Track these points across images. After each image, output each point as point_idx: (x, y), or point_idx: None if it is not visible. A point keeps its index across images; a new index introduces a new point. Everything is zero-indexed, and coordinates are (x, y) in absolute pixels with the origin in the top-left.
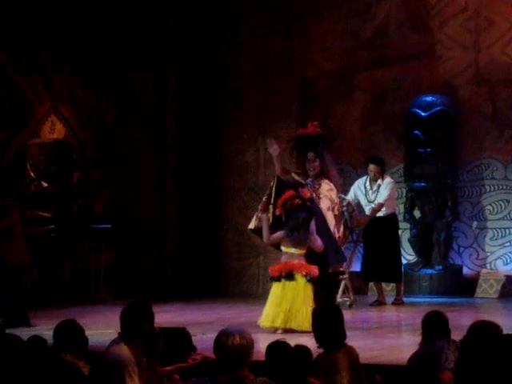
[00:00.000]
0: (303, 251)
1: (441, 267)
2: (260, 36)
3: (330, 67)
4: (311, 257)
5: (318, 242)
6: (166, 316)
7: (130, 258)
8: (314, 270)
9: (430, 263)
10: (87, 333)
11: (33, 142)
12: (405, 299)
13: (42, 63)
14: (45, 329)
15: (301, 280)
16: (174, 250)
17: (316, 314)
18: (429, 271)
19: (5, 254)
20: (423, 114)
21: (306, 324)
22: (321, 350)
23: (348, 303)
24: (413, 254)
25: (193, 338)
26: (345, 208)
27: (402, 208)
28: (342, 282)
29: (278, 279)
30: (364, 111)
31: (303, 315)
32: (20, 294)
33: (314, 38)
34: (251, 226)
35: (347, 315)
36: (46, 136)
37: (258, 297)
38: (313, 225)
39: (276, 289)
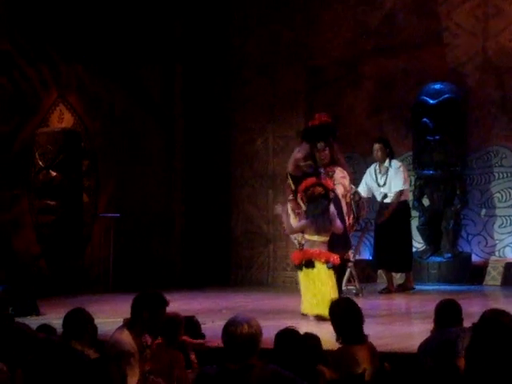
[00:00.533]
0: (326, 238)
1: (450, 255)
2: (268, 25)
3: (337, 55)
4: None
5: (338, 224)
6: (175, 304)
7: (138, 246)
8: (334, 257)
9: (439, 251)
10: (96, 321)
11: (41, 131)
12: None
13: (50, 53)
14: (54, 318)
15: (321, 267)
16: (183, 238)
17: (333, 307)
18: (438, 259)
19: (14, 243)
20: (432, 101)
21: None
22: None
23: (354, 292)
24: (421, 241)
25: (202, 326)
26: (351, 196)
27: (410, 196)
28: (348, 270)
29: (299, 267)
30: (372, 99)
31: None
32: (29, 283)
33: (322, 27)
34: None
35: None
36: (54, 125)
37: (268, 285)
38: (333, 207)
39: (301, 277)
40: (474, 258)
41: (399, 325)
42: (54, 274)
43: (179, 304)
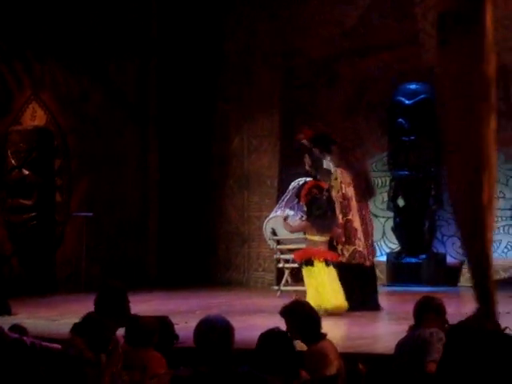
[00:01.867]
0: (327, 238)
1: (424, 256)
2: (244, 25)
3: (313, 56)
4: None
5: (338, 231)
6: (149, 304)
7: (111, 246)
8: (332, 255)
9: (414, 252)
10: (60, 322)
11: (14, 129)
12: (389, 288)
13: (24, 51)
14: (25, 317)
15: (320, 265)
16: (158, 238)
17: (287, 313)
18: (413, 260)
19: None
20: (407, 101)
21: (334, 302)
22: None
23: None
24: (396, 242)
25: (175, 326)
26: None
27: (385, 197)
28: None
29: (300, 265)
30: (347, 100)
31: (330, 296)
32: (0, 283)
33: (298, 27)
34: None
35: None
36: (27, 123)
37: (244, 285)
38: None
39: (304, 274)
40: (449, 259)
41: (374, 326)
42: (26, 274)
43: (154, 304)
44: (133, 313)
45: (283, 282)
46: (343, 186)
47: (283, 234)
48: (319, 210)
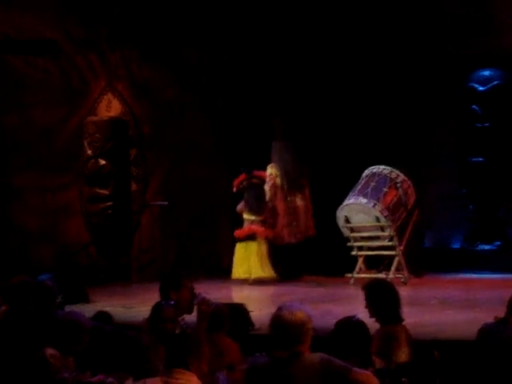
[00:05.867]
0: (261, 218)
1: (499, 243)
2: None
3: None
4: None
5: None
6: (223, 292)
7: (186, 234)
8: (269, 231)
9: (489, 239)
10: (136, 310)
11: (89, 120)
12: (463, 275)
13: (99, 41)
14: (103, 305)
15: (260, 241)
16: (232, 226)
17: (370, 288)
18: (487, 247)
19: (63, 231)
20: (481, 88)
21: (261, 272)
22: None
23: (402, 280)
24: (471, 229)
25: (250, 314)
26: (399, 184)
27: (457, 184)
28: (396, 259)
29: (241, 240)
30: None
31: (261, 265)
32: (78, 271)
33: None
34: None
35: (403, 292)
36: (102, 114)
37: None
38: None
39: (237, 249)
40: None
41: (448, 313)
42: (103, 262)
43: (227, 292)
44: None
45: (357, 269)
46: (272, 177)
47: (357, 221)
48: (250, 195)
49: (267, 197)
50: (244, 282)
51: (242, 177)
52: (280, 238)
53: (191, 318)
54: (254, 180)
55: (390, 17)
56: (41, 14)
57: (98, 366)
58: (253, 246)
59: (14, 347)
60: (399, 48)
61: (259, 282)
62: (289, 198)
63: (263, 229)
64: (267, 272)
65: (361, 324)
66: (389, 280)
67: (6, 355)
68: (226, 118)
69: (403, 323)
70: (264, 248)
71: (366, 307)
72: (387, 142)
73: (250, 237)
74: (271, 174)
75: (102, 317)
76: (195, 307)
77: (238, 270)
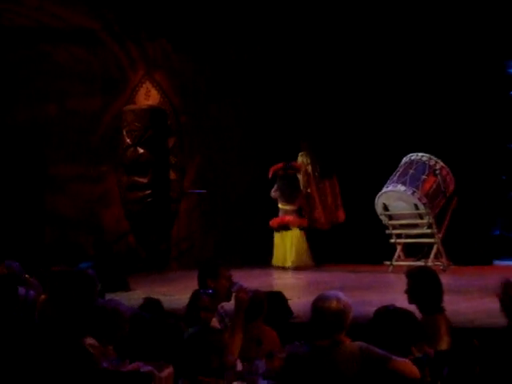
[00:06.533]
0: (295, 207)
1: None
2: None
3: None
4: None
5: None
6: (262, 280)
7: (224, 222)
8: (302, 220)
9: None
10: (175, 298)
11: (128, 109)
12: (502, 262)
13: (137, 31)
14: (142, 293)
15: (295, 230)
16: (268, 214)
17: (413, 275)
18: None
19: (102, 219)
20: None
21: (298, 259)
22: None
23: (441, 267)
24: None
25: (289, 301)
26: (438, 171)
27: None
28: (435, 246)
29: (277, 230)
30: None
31: (297, 253)
32: (117, 259)
33: None
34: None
35: (442, 279)
36: (141, 102)
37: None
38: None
39: (276, 238)
40: None
41: (487, 301)
42: (142, 250)
43: (266, 280)
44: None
45: (395, 256)
46: (304, 165)
47: (395, 209)
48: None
49: (301, 184)
50: (282, 269)
51: (280, 165)
52: (319, 223)
53: (230, 305)
54: (290, 171)
55: (428, 8)
56: (78, 3)
57: (138, 355)
58: (288, 235)
59: (54, 337)
60: (437, 36)
61: (297, 269)
62: (320, 186)
63: (296, 218)
64: (304, 260)
65: (401, 312)
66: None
67: (45, 345)
68: (258, 108)
69: (444, 311)
70: (299, 236)
71: (407, 292)
72: (426, 129)
73: (285, 226)
74: (302, 162)
75: (151, 304)
76: (233, 295)
77: (277, 258)
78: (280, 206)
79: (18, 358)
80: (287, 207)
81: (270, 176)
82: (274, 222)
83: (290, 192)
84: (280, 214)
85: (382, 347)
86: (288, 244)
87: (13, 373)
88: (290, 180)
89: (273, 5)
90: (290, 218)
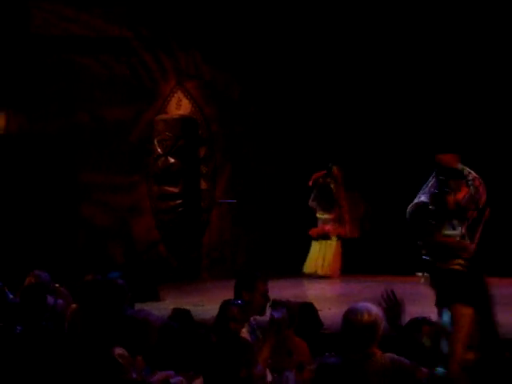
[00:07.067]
0: (333, 216)
1: None
2: None
3: None
4: None
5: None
6: (293, 290)
7: (255, 232)
8: (340, 229)
9: None
10: (205, 308)
11: (159, 118)
12: None
13: (168, 40)
14: (173, 303)
15: (333, 239)
16: (302, 225)
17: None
18: None
19: (133, 229)
20: None
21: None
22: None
23: None
24: None
25: (319, 312)
26: (470, 182)
27: None
28: None
29: (315, 239)
30: None
31: (333, 263)
32: (148, 269)
33: None
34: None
35: None
36: (172, 112)
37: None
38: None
39: (313, 246)
40: None
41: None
42: (173, 260)
43: (297, 291)
44: (278, 298)
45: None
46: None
47: None
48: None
49: (335, 194)
50: (312, 277)
51: (321, 173)
52: (350, 232)
53: (262, 317)
54: (328, 179)
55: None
56: (110, 12)
57: (168, 365)
58: (326, 244)
59: (84, 347)
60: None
61: (328, 278)
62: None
63: (335, 227)
64: (336, 269)
65: (432, 324)
66: None
67: (75, 355)
68: (290, 117)
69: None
70: (337, 246)
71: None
72: (457, 138)
73: (324, 235)
74: (334, 171)
75: (180, 314)
76: (269, 310)
77: (310, 265)
78: (318, 215)
79: (47, 367)
80: (325, 216)
81: (310, 183)
82: (313, 232)
83: (327, 201)
84: (319, 223)
85: (412, 359)
86: (324, 253)
87: (41, 382)
88: (327, 189)
89: (304, 17)
90: (329, 227)
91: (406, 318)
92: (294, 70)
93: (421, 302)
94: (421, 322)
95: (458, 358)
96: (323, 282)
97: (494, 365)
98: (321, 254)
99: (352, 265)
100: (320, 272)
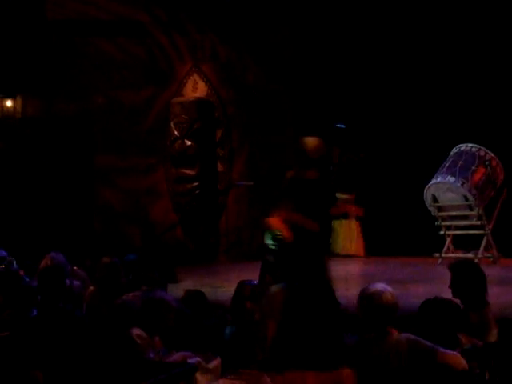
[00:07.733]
0: (353, 196)
1: None
2: None
3: None
4: None
5: None
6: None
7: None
8: (359, 210)
9: None
10: (223, 290)
11: (176, 101)
12: None
13: (185, 23)
14: (190, 285)
15: (351, 218)
16: None
17: (456, 268)
18: None
19: (150, 212)
20: None
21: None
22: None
23: (492, 259)
24: None
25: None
26: (487, 162)
27: None
28: (484, 238)
29: (336, 218)
30: None
31: (351, 242)
32: (165, 251)
33: None
34: None
35: (492, 271)
36: (188, 94)
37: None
38: None
39: (335, 226)
40: None
41: None
42: (190, 242)
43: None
44: None
45: (445, 249)
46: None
47: (444, 200)
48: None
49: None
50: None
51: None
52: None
53: None
54: (348, 156)
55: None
56: None
57: (186, 345)
58: (345, 224)
59: (101, 328)
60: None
61: (347, 259)
62: None
63: (354, 207)
64: (355, 249)
65: (448, 304)
66: (476, 261)
67: (93, 336)
68: (306, 99)
69: (490, 303)
70: (355, 226)
71: (450, 287)
72: (474, 119)
73: (344, 215)
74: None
75: (193, 296)
76: None
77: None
78: (338, 195)
79: (65, 348)
80: (345, 196)
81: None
82: (333, 211)
83: (347, 181)
84: (338, 203)
85: (429, 339)
86: (345, 233)
87: (59, 363)
88: (346, 168)
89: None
90: (348, 206)
91: (421, 299)
92: (310, 51)
93: (438, 282)
94: (435, 302)
95: None
96: (342, 263)
97: None
98: (341, 234)
99: (372, 245)
100: (341, 252)
